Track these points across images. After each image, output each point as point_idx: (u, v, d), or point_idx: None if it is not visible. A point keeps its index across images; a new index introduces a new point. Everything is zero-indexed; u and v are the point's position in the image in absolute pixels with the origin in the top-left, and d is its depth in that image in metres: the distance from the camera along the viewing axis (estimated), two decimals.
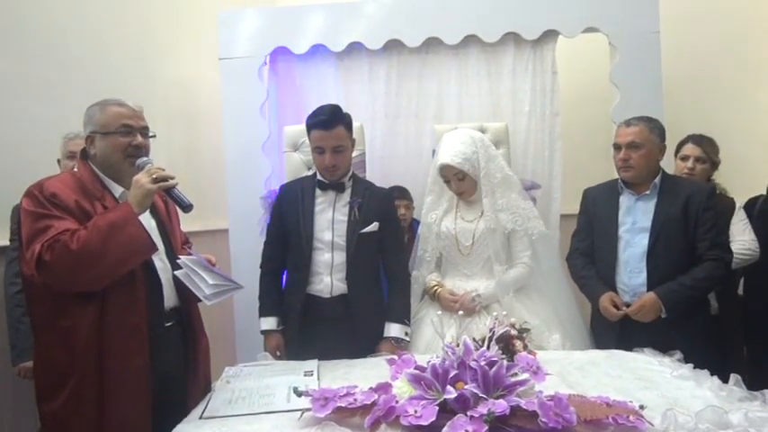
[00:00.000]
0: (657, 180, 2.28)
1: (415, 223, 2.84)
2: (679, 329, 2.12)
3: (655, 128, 2.28)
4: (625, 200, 2.33)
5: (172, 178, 1.67)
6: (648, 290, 2.19)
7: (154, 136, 1.79)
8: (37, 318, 1.65)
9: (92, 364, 1.57)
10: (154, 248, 1.64)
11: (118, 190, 1.73)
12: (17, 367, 2.16)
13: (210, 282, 1.68)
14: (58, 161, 2.37)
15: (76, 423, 1.57)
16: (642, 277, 2.23)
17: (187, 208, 1.69)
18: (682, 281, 2.17)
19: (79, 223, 1.58)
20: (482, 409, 1.18)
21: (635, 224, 2.28)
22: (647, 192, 2.29)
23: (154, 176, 1.64)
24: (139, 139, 1.73)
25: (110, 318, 1.59)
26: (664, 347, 1.94)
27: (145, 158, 1.73)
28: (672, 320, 2.15)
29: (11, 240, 2.19)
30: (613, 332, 2.23)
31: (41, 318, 1.63)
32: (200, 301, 1.76)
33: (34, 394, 1.65)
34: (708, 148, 2.73)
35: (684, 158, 2.75)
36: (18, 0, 2.46)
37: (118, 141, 1.70)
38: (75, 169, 1.72)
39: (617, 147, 2.31)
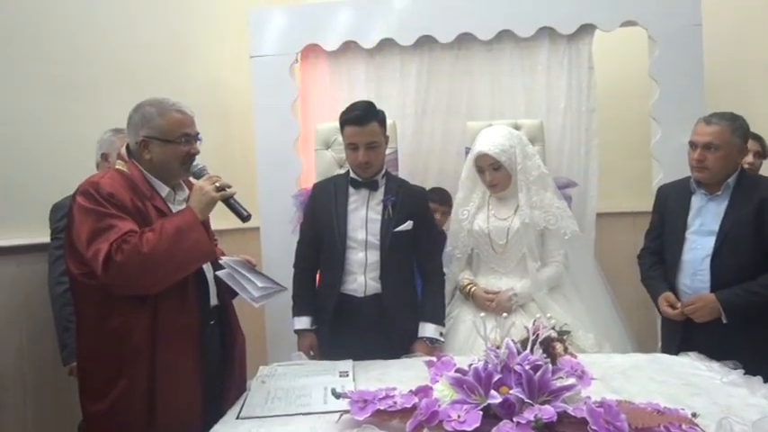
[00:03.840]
0: (732, 180, 2.16)
1: None
2: (745, 334, 2.03)
3: (738, 128, 2.12)
4: (696, 200, 2.23)
5: (229, 187, 1.66)
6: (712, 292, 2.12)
7: (201, 140, 1.77)
8: (84, 316, 1.63)
9: (145, 365, 1.56)
10: (213, 255, 1.66)
11: (164, 189, 1.72)
12: (68, 367, 2.11)
13: (260, 285, 1.68)
14: (104, 156, 2.26)
15: (125, 424, 1.56)
16: (705, 280, 2.14)
17: (246, 218, 1.68)
18: (747, 286, 2.07)
19: (136, 223, 1.56)
20: (528, 415, 1.15)
21: (702, 226, 2.19)
22: (719, 192, 2.17)
23: (216, 184, 1.63)
24: (196, 147, 1.72)
25: (163, 319, 1.58)
26: (728, 352, 1.84)
27: (199, 164, 1.71)
28: (738, 325, 2.06)
29: (53, 238, 2.17)
30: (677, 334, 2.18)
31: (89, 317, 1.61)
32: (234, 297, 1.75)
33: (64, 390, 1.63)
34: (763, 143, 2.65)
35: None
36: (59, 4, 2.49)
37: (179, 150, 1.67)
38: (118, 167, 1.69)
39: (693, 145, 2.18)
